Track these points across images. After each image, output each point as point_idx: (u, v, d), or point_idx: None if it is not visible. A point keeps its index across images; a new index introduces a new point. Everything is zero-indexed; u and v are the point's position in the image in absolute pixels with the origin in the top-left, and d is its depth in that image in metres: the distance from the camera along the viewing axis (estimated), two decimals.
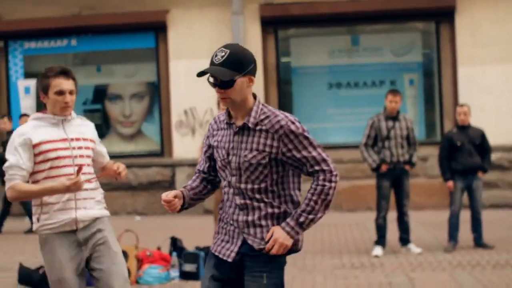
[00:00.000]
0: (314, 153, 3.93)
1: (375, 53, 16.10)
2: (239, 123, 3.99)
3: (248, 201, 4.00)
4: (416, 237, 11.14)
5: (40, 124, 4.98)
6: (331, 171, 3.94)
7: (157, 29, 16.04)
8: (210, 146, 4.17)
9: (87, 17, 16.15)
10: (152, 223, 14.57)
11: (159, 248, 9.47)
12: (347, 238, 11.78)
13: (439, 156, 10.68)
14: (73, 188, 4.78)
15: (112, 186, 15.66)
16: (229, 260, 4.04)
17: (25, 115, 15.23)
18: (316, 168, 3.92)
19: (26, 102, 16.20)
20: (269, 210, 4.00)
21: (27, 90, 16.24)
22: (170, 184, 15.73)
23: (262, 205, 4.00)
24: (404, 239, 10.48)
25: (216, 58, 3.89)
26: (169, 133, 16.04)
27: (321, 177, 3.91)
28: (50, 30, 16.29)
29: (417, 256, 10.03)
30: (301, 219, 3.91)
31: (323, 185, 3.91)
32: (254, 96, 4.03)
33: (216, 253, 4.12)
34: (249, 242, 4.00)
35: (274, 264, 4.03)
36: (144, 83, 16.72)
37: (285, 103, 16.09)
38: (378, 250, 10.17)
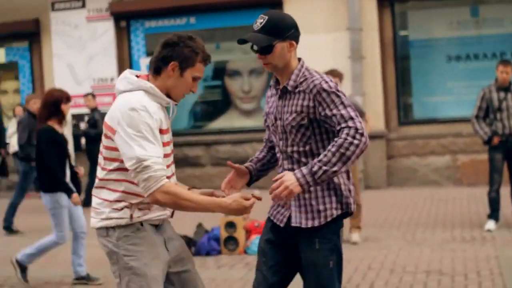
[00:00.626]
0: (343, 111, 3.82)
1: (496, 24, 15.63)
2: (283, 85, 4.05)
3: (295, 166, 4.00)
4: None
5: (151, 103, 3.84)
6: (356, 128, 3.77)
7: (273, 5, 16.08)
8: (267, 114, 4.23)
9: None
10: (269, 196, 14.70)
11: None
12: (463, 212, 11.58)
13: None
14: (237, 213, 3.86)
15: (233, 159, 15.92)
16: (281, 225, 4.08)
17: None
18: (343, 125, 3.80)
19: None
20: None
21: (148, 68, 16.64)
22: None
23: None
24: None
25: (255, 25, 3.93)
26: None
27: (344, 132, 3.77)
28: (170, 8, 16.66)
29: None
30: (314, 168, 3.75)
31: (344, 139, 3.75)
32: (300, 61, 4.05)
33: (271, 217, 4.18)
34: (299, 212, 4.02)
35: (326, 229, 4.00)
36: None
37: (403, 78, 15.91)
38: (491, 224, 9.95)
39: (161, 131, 3.80)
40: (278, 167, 4.14)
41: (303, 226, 3.98)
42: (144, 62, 16.79)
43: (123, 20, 17.14)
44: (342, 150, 3.74)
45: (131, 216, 3.82)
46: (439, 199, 13.08)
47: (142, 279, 3.81)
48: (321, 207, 3.98)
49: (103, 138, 3.87)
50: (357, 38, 15.35)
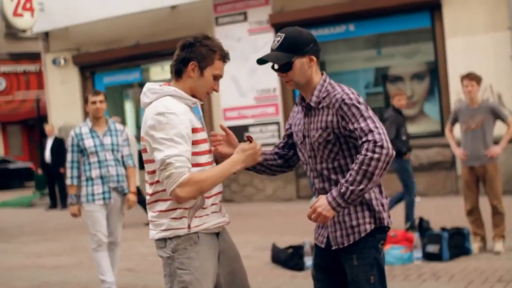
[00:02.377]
0: (362, 124, 3.76)
1: None
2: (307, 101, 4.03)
3: (326, 184, 3.98)
4: None
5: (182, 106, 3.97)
6: (375, 141, 3.68)
7: (432, 7, 15.79)
8: (290, 126, 4.24)
9: (362, 1, 16.32)
10: (433, 204, 14.44)
11: (407, 229, 9.46)
12: None
13: None
14: (251, 160, 4.01)
15: (392, 168, 15.76)
16: (322, 246, 4.09)
17: None
18: (363, 139, 3.74)
19: None
20: None
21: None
22: (451, 165, 15.48)
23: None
24: None
25: (273, 44, 3.96)
26: (449, 112, 15.72)
27: (364, 147, 3.71)
28: (329, 17, 16.71)
29: None
30: (342, 189, 3.71)
31: (364, 155, 3.68)
32: (322, 75, 4.02)
33: (315, 241, 4.19)
34: (334, 231, 4.02)
35: (363, 244, 3.95)
36: (423, 63, 16.58)
37: None
38: None
39: (195, 130, 3.90)
40: (311, 185, 4.16)
41: (340, 245, 3.99)
42: None
43: None
44: (364, 167, 3.69)
45: (189, 226, 3.89)
46: None
47: None
48: (354, 223, 3.96)
49: (142, 153, 4.01)
50: None
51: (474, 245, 9.26)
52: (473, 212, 9.35)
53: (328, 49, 17.45)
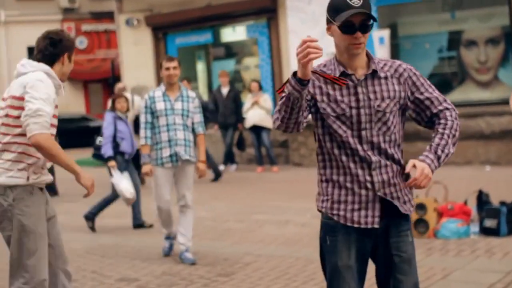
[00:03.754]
0: (436, 93, 3.89)
1: None
2: (361, 72, 3.81)
3: (382, 158, 3.81)
4: None
5: None
6: (455, 109, 3.88)
7: None
8: (309, 94, 3.81)
9: None
10: (504, 173, 14.08)
11: (465, 202, 9.22)
12: None
13: None
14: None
15: (464, 135, 15.42)
16: (376, 226, 3.85)
17: None
18: (442, 106, 3.87)
19: (381, 52, 16.49)
20: (398, 167, 3.86)
21: (381, 40, 16.50)
22: None
23: (391, 161, 3.83)
24: None
25: (352, 1, 3.69)
26: None
27: (449, 113, 3.85)
28: None
29: None
30: (439, 153, 3.77)
31: (452, 121, 3.83)
32: None
33: (355, 225, 3.86)
34: (396, 203, 3.85)
35: (409, 221, 3.99)
36: (498, 27, 16.04)
37: None
38: None
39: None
40: (348, 160, 3.83)
41: (408, 212, 3.91)
42: (377, 35, 16.60)
43: None
44: (453, 132, 3.82)
45: (28, 178, 4.90)
46: None
47: (31, 235, 4.87)
48: (406, 198, 3.91)
49: (8, 109, 4.93)
50: None
51: None
52: None
53: (400, 12, 17.10)
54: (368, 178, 3.82)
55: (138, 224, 10.55)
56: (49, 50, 5.01)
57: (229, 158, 17.61)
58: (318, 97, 3.84)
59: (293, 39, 17.52)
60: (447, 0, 16.48)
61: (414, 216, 8.92)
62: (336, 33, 3.81)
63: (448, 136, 3.79)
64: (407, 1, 16.70)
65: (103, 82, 35.98)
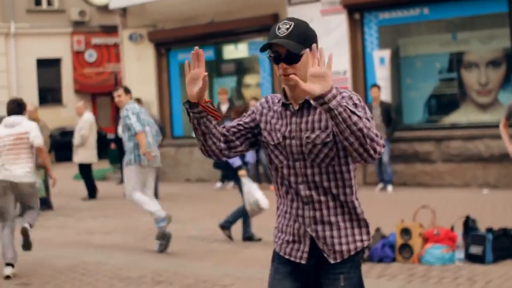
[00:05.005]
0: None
1: None
2: (298, 103, 3.70)
3: (313, 192, 3.68)
4: None
5: None
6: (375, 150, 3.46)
7: None
8: (253, 121, 3.82)
9: None
10: (501, 197, 13.93)
11: (452, 228, 9.10)
12: None
13: None
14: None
15: (463, 157, 15.30)
16: (302, 262, 3.75)
17: (375, 85, 15.51)
18: None
19: (381, 72, 16.42)
20: (339, 203, 3.69)
21: (382, 60, 16.42)
22: None
23: (329, 197, 3.68)
24: None
25: (279, 30, 3.60)
26: None
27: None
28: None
29: None
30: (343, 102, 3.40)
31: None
32: None
33: (286, 256, 3.80)
34: (320, 246, 3.71)
35: (351, 263, 3.73)
36: (499, 50, 15.93)
37: None
38: None
39: None
40: (285, 192, 3.76)
41: (332, 261, 3.72)
42: (377, 55, 16.54)
43: (357, 12, 16.98)
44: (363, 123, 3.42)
45: None
46: None
47: None
48: (344, 240, 3.71)
49: None
50: None
51: None
52: None
53: (402, 32, 17.02)
54: (300, 212, 3.74)
55: (249, 236, 10.42)
56: None
57: (226, 176, 17.49)
58: (262, 125, 3.81)
59: None
60: (449, 21, 16.37)
61: (399, 241, 8.82)
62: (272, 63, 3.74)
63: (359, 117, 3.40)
64: (408, 21, 16.60)
65: (111, 96, 36.00)
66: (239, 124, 3.87)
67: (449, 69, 16.60)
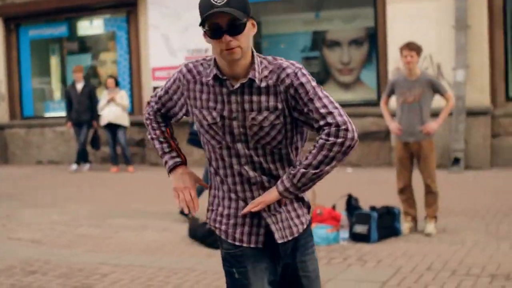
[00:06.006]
0: (319, 104, 3.13)
1: None
2: (239, 79, 3.21)
3: (258, 173, 3.27)
4: None
5: None
6: (338, 125, 3.10)
7: None
8: (177, 91, 3.38)
9: None
10: (364, 175, 13.94)
11: (333, 207, 8.84)
12: None
13: None
14: None
15: None
16: (259, 245, 3.32)
17: None
18: (323, 122, 3.11)
19: None
20: None
21: None
22: (385, 136, 14.96)
23: (276, 178, 3.28)
24: None
25: (219, 0, 3.08)
26: (386, 81, 15.18)
27: (327, 131, 3.10)
28: None
29: None
30: (292, 172, 3.18)
31: (326, 140, 3.10)
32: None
33: (237, 242, 3.33)
34: (272, 227, 3.29)
35: (307, 233, 3.47)
36: (362, 29, 15.95)
37: None
38: None
39: None
40: (227, 174, 3.31)
41: (296, 234, 3.36)
42: None
43: None
44: (324, 152, 3.11)
45: None
46: None
47: None
48: (298, 213, 3.42)
49: None
50: (463, 6, 14.16)
51: (405, 225, 8.73)
52: (405, 191, 8.80)
53: (265, 10, 16.74)
54: (248, 194, 3.30)
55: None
56: None
57: (82, 157, 16.73)
58: (191, 101, 3.32)
59: (154, 34, 16.84)
60: (311, 0, 16.23)
61: None
62: (208, 40, 3.18)
63: (314, 157, 3.12)
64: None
65: None
66: (166, 92, 3.42)
67: (311, 48, 16.47)
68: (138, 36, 17.53)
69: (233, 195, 3.32)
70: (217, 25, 3.09)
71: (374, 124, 15.07)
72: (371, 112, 15.12)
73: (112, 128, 16.16)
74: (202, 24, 3.12)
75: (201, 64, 3.30)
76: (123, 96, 16.16)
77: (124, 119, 16.06)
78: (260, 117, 3.19)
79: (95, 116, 16.34)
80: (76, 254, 8.19)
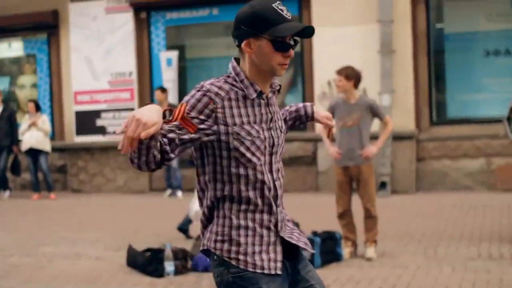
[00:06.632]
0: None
1: None
2: (268, 90, 3.25)
3: (280, 191, 3.29)
4: None
5: None
6: None
7: None
8: (207, 130, 3.07)
9: None
10: (292, 200, 13.90)
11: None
12: (494, 223, 10.59)
13: None
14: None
15: None
16: (278, 272, 3.21)
17: (161, 88, 15.00)
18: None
19: (168, 74, 15.93)
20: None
21: (169, 62, 15.94)
22: (312, 160, 15.01)
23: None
24: None
25: (286, 12, 3.11)
26: None
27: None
28: None
29: None
30: None
31: None
32: None
33: (262, 270, 3.19)
34: (295, 242, 3.29)
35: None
36: None
37: (436, 73, 14.95)
38: None
39: None
40: (258, 195, 3.19)
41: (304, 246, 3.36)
42: (164, 56, 16.03)
43: (144, 11, 16.38)
44: None
45: None
46: (469, 207, 12.10)
47: None
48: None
49: None
50: (388, 31, 14.38)
51: (345, 250, 8.71)
52: (345, 215, 8.79)
53: (189, 33, 16.65)
54: (272, 217, 3.24)
55: (185, 229, 10.23)
56: None
57: (2, 184, 16.24)
58: (229, 121, 3.10)
59: (76, 56, 16.52)
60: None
61: None
62: (263, 49, 3.11)
63: None
64: (197, 22, 16.24)
65: None
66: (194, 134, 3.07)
67: None
68: (59, 59, 17.17)
69: (255, 224, 3.20)
70: (287, 39, 3.11)
71: (301, 148, 15.10)
72: (298, 137, 15.15)
73: (34, 153, 15.75)
74: (262, 31, 3.08)
75: (225, 81, 3.17)
76: (44, 121, 15.78)
77: (46, 145, 15.69)
78: (284, 125, 3.36)
79: (16, 141, 15.90)
80: (12, 285, 7.87)
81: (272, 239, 3.21)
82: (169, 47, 16.27)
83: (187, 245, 8.85)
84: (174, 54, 15.98)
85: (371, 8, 14.48)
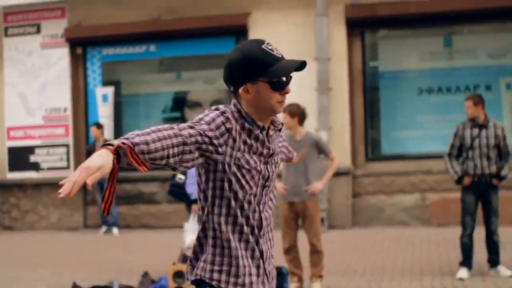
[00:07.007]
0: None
1: (470, 56, 15.00)
2: (268, 126, 3.32)
3: (265, 223, 3.35)
4: (509, 258, 10.00)
5: None
6: None
7: (238, 33, 15.33)
8: (219, 138, 3.09)
9: (166, 22, 15.58)
10: None
11: None
12: (432, 257, 10.78)
13: None
14: None
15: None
16: None
17: (97, 124, 14.91)
18: None
19: (104, 110, 15.84)
20: None
21: (104, 97, 15.86)
22: None
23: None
24: (493, 261, 9.41)
25: (277, 52, 3.20)
26: None
27: None
28: (129, 35, 15.83)
29: (507, 280, 8.99)
30: None
31: None
32: None
33: None
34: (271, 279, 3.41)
35: None
36: (224, 90, 16.07)
37: (372, 111, 15.20)
38: (463, 273, 9.15)
39: None
40: (257, 229, 3.27)
41: None
42: (100, 91, 15.93)
43: (79, 47, 16.28)
44: None
45: None
46: (406, 242, 12.28)
47: None
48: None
49: None
50: (325, 69, 14.59)
51: (292, 285, 8.74)
52: (291, 251, 8.82)
53: (125, 69, 16.60)
54: (261, 247, 3.31)
55: None
56: None
57: None
58: (237, 144, 3.16)
59: (10, 92, 16.29)
60: (173, 60, 16.25)
61: (172, 285, 8.31)
62: (261, 92, 3.17)
63: None
64: (133, 58, 16.22)
65: None
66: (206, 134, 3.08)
67: (173, 108, 16.42)
68: None
69: (244, 253, 3.23)
70: (284, 78, 3.18)
71: None
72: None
73: None
74: (258, 75, 3.14)
75: (231, 111, 3.20)
76: None
77: None
78: (278, 159, 3.41)
79: None
80: None
81: (261, 271, 3.27)
82: (105, 83, 16.19)
83: (133, 282, 8.77)
84: (110, 90, 15.91)
85: (309, 46, 14.67)
